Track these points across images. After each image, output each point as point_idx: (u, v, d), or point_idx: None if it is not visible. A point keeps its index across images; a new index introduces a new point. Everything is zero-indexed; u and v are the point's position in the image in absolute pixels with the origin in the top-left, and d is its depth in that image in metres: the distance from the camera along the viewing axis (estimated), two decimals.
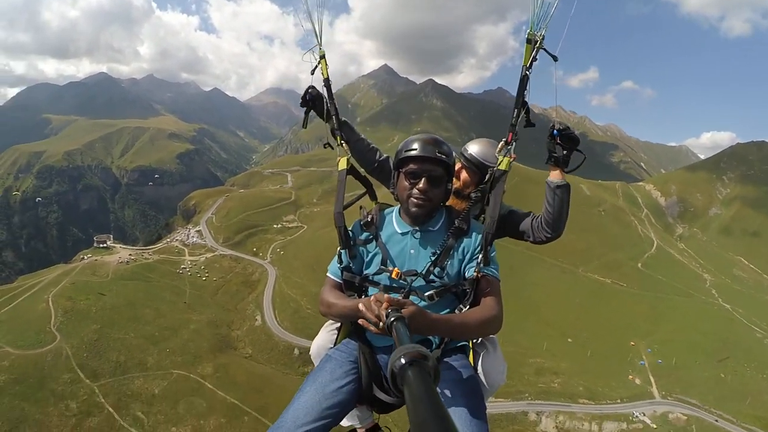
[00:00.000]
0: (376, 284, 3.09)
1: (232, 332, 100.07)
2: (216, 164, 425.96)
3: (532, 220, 3.83)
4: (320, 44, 3.82)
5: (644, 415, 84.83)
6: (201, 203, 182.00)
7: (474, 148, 4.03)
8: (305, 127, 4.01)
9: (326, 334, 3.47)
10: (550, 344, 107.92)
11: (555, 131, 3.45)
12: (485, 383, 3.08)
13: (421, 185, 2.96)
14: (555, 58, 3.25)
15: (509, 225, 3.83)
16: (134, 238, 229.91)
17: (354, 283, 3.15)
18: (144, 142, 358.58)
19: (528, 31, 3.21)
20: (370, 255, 3.16)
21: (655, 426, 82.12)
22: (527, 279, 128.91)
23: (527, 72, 3.28)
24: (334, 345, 3.32)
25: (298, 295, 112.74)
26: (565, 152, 3.47)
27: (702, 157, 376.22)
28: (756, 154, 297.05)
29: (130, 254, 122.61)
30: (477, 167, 3.93)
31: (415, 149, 2.99)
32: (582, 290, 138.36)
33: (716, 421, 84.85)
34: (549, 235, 3.70)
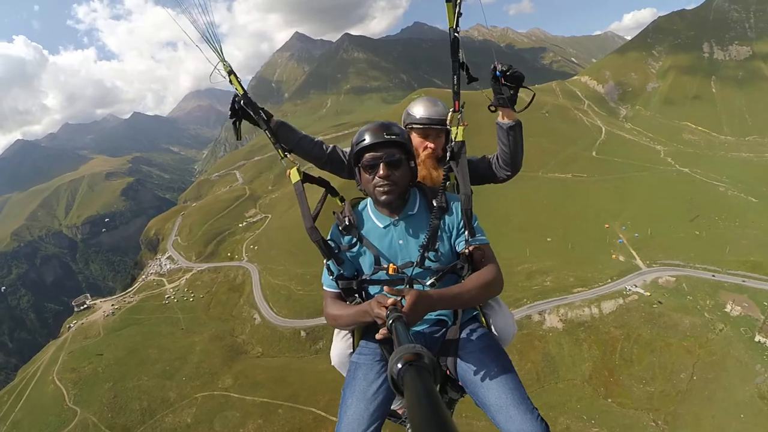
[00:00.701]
0: (375, 283, 3.19)
1: (237, 339, 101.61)
2: (161, 187, 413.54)
3: (490, 163, 3.95)
4: (223, 60, 3.68)
5: (636, 286, 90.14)
6: (161, 230, 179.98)
7: (420, 111, 3.95)
8: (240, 139, 3.88)
9: (341, 341, 3.53)
10: (532, 248, 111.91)
11: (498, 72, 3.37)
12: (501, 338, 3.32)
13: (381, 172, 3.02)
14: None
15: (471, 177, 3.60)
16: (110, 289, 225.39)
17: (353, 288, 3.25)
18: (84, 193, 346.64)
19: None
20: (359, 257, 3.25)
21: (648, 293, 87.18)
22: (492, 194, 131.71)
23: (456, 34, 3.29)
24: (353, 349, 3.39)
25: (285, 281, 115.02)
26: (511, 92, 3.44)
27: (628, 38, 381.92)
28: (679, 23, 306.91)
29: (112, 305, 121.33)
30: (439, 124, 3.91)
31: (365, 140, 3.04)
32: (547, 191, 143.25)
33: (713, 276, 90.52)
34: (509, 173, 3.85)
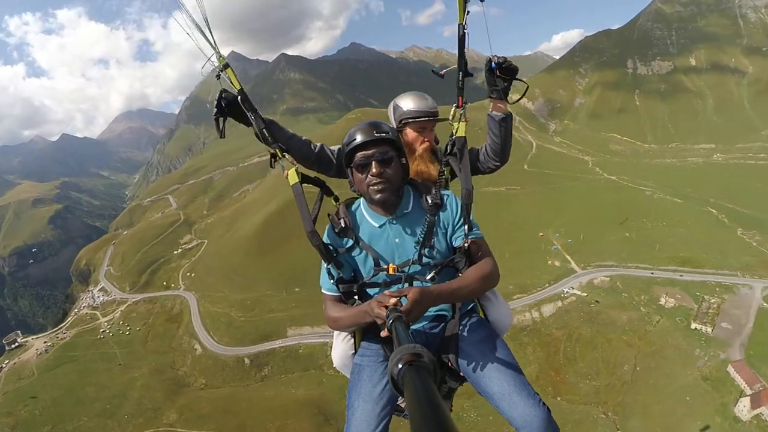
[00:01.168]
0: (375, 285, 3.18)
1: (179, 371, 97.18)
2: (91, 215, 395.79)
3: (477, 154, 4.01)
4: (218, 53, 3.54)
5: (573, 288, 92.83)
6: (92, 260, 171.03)
7: (414, 104, 3.89)
8: (223, 137, 3.69)
9: (343, 343, 3.50)
10: None
11: (494, 65, 3.43)
12: (498, 328, 3.36)
13: (373, 170, 3.00)
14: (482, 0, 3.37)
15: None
16: (40, 325, 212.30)
17: (353, 291, 3.22)
18: (10, 222, 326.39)
19: None
20: (358, 259, 3.21)
21: (585, 294, 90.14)
22: None
23: (465, 30, 3.32)
24: (355, 351, 3.39)
25: (225, 308, 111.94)
26: (505, 84, 3.52)
27: (557, 57, 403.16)
28: (605, 42, 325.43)
29: (45, 342, 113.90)
30: (430, 115, 3.90)
31: (356, 139, 3.02)
32: (482, 204, 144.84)
33: (651, 273, 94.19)
34: (498, 164, 3.93)
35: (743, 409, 60.02)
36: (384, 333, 2.37)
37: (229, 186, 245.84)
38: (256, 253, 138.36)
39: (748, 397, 60.42)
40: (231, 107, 3.59)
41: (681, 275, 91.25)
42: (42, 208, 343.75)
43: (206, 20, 3.37)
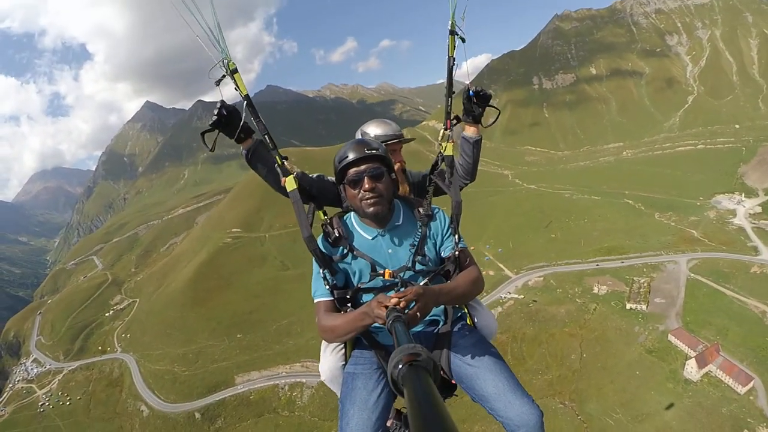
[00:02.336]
0: (369, 291, 3.20)
1: None
2: (13, 284, 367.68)
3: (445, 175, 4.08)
4: (228, 57, 3.33)
5: (510, 293, 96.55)
6: (20, 331, 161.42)
7: (377, 131, 4.28)
8: (213, 150, 3.48)
9: (332, 355, 3.47)
10: None
11: (471, 92, 3.75)
12: (486, 334, 3.46)
13: (366, 186, 3.08)
14: (463, 40, 3.57)
15: (437, 191, 3.98)
16: None
17: (347, 297, 3.21)
18: None
19: (450, 23, 3.47)
20: (352, 267, 3.23)
21: (522, 296, 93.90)
22: None
23: (454, 62, 3.58)
24: (346, 361, 3.40)
25: (167, 365, 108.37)
26: (480, 110, 3.85)
27: (467, 82, 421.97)
28: (510, 63, 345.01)
29: None
30: (398, 138, 4.32)
31: (348, 156, 3.10)
32: None
33: (597, 265, 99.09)
34: (467, 181, 4.21)
35: (692, 371, 64.03)
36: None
37: (156, 240, 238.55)
38: (191, 304, 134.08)
39: (694, 359, 64.47)
40: (232, 118, 3.51)
41: (622, 263, 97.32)
42: None
43: (218, 24, 3.25)
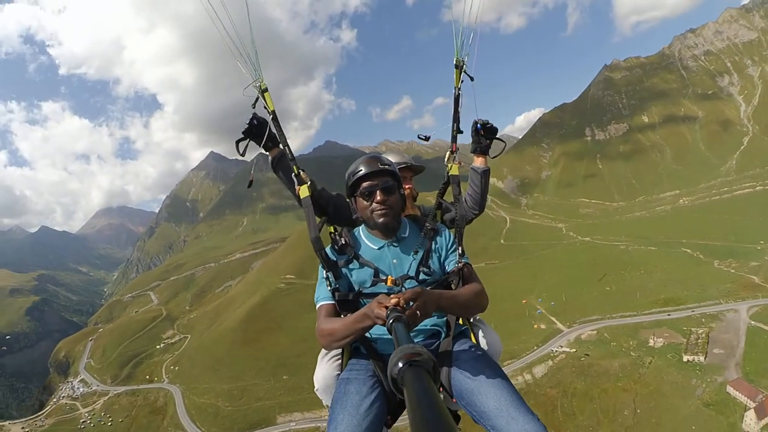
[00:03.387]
0: (371, 296, 3.17)
1: None
2: (68, 309, 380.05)
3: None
4: (261, 78, 3.77)
5: (561, 347, 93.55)
6: (71, 352, 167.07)
7: (390, 158, 4.04)
8: (243, 155, 3.95)
9: (328, 364, 3.42)
10: None
11: (479, 126, 3.93)
12: (490, 352, 3.34)
13: (378, 198, 3.16)
14: (472, 78, 3.81)
15: (443, 220, 4.12)
16: (13, 418, 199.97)
17: (348, 301, 3.25)
18: None
19: (455, 58, 3.73)
20: (356, 273, 3.28)
21: (574, 350, 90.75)
22: None
23: (459, 92, 3.82)
24: (342, 371, 3.31)
25: (211, 399, 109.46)
26: (488, 141, 4.00)
27: (520, 137, 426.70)
28: (561, 116, 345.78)
29: (23, 428, 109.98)
30: (408, 167, 4.50)
31: (361, 170, 3.20)
32: None
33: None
34: (476, 213, 4.22)
35: (750, 422, 61.00)
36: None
37: (211, 282, 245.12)
38: (241, 343, 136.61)
39: (753, 410, 61.40)
40: (262, 128, 3.79)
41: (669, 315, 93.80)
42: (19, 298, 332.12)
43: (255, 51, 3.71)
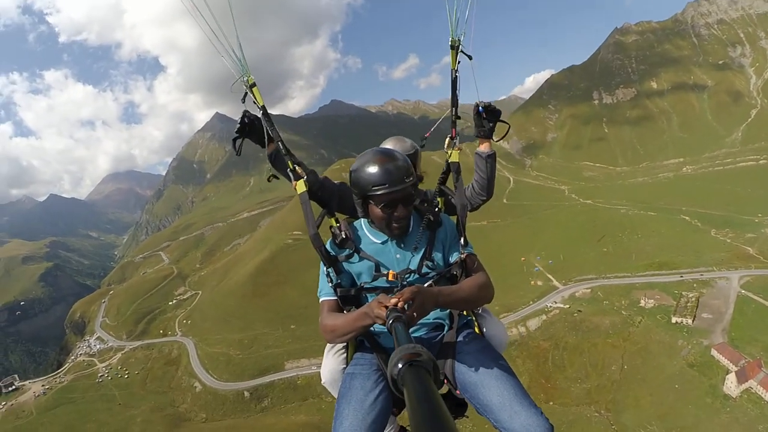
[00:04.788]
0: (372, 290, 3.16)
1: (179, 408, 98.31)
2: (81, 274, 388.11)
3: (466, 191, 4.15)
4: (248, 72, 3.74)
5: (556, 302, 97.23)
6: (86, 312, 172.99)
7: (397, 148, 4.07)
8: (239, 155, 3.98)
9: (334, 358, 3.40)
10: None
11: (480, 109, 3.78)
12: (494, 344, 3.29)
13: (400, 213, 2.99)
14: (470, 57, 3.68)
15: (449, 205, 3.90)
16: (33, 379, 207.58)
17: (350, 296, 3.19)
18: (0, 278, 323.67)
19: (450, 38, 3.59)
20: (357, 268, 3.21)
21: (567, 306, 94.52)
22: None
23: (456, 74, 3.68)
24: (347, 365, 3.30)
25: (224, 348, 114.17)
26: (491, 125, 3.86)
27: (528, 98, 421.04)
28: (570, 78, 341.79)
29: (43, 385, 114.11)
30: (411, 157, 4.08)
31: (386, 185, 2.89)
32: None
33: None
34: (484, 198, 4.15)
35: (731, 385, 63.78)
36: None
37: (220, 241, 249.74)
38: (251, 296, 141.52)
39: (734, 374, 64.20)
40: (254, 125, 3.89)
41: (667, 277, 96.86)
42: (32, 265, 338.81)
43: (240, 45, 3.65)
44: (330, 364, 3.38)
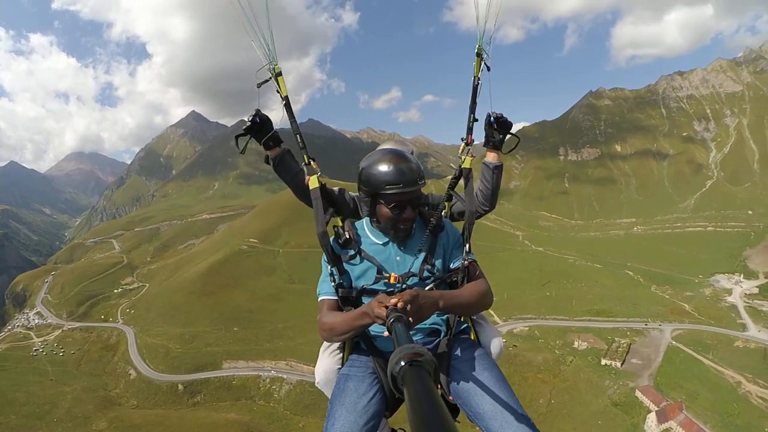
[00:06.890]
0: (372, 293, 3.10)
1: (111, 392, 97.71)
2: (28, 248, 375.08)
3: None
4: (275, 61, 3.59)
5: None
6: (29, 286, 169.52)
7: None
8: (243, 153, 3.66)
9: (329, 358, 3.35)
10: None
11: (492, 119, 3.72)
12: (491, 353, 3.24)
13: (408, 214, 3.03)
14: (489, 68, 3.64)
15: (452, 214, 3.95)
16: None
17: (351, 297, 3.16)
18: None
19: (477, 46, 3.58)
20: (359, 269, 3.18)
21: (504, 341, 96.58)
22: None
23: (478, 81, 3.63)
24: (342, 366, 3.26)
25: (164, 340, 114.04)
26: (501, 136, 3.81)
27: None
28: (540, 132, 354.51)
29: None
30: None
31: (399, 185, 2.93)
32: None
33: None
34: (487, 209, 4.03)
35: (651, 425, 67.21)
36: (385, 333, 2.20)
37: (175, 238, 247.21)
38: (199, 294, 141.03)
39: (654, 413, 67.90)
40: (264, 126, 3.69)
41: (602, 324, 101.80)
42: None
43: (271, 32, 3.54)
44: (325, 364, 3.37)
